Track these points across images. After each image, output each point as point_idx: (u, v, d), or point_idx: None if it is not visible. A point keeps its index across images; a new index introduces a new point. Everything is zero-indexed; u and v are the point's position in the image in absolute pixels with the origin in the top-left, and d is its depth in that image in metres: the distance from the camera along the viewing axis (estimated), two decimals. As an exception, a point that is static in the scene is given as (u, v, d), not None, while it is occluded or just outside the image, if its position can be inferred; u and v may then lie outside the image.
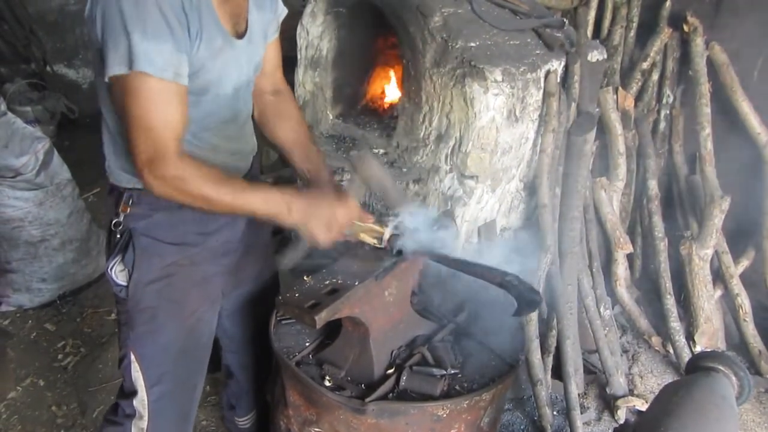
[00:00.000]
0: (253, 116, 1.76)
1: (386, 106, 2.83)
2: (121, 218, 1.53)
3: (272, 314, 1.79)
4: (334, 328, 1.71)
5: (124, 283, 1.55)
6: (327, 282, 1.55)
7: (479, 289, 2.03)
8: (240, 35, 1.49)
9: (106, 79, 1.29)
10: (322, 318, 1.42)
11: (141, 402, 1.63)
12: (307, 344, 1.76)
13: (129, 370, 1.62)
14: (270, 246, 1.97)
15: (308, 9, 2.72)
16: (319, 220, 1.45)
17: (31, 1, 4.73)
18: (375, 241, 1.59)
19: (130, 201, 1.51)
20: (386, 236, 1.57)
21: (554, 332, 2.41)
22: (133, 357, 1.61)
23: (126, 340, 1.63)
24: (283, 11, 1.72)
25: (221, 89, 1.48)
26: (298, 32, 2.79)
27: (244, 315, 1.92)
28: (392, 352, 1.70)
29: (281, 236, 2.71)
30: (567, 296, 2.41)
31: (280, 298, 1.51)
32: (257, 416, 2.15)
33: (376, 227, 1.59)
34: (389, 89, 2.83)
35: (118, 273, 1.56)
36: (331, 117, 2.86)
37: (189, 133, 1.47)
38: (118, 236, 1.54)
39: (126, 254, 1.54)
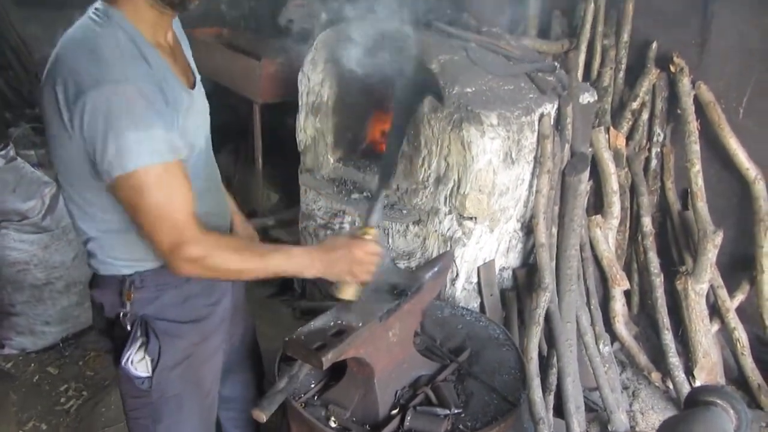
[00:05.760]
0: None
1: (383, 148, 2.90)
2: (128, 307, 1.44)
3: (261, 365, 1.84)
4: (338, 369, 1.75)
5: (146, 374, 1.47)
6: (332, 324, 1.59)
7: (480, 329, 2.08)
8: (192, 85, 1.47)
9: (106, 182, 1.24)
10: (328, 359, 1.46)
11: None
12: (313, 385, 1.79)
13: None
14: (246, 301, 1.93)
15: (309, 57, 2.81)
16: (341, 264, 1.46)
17: (36, 48, 4.84)
18: None
19: (132, 287, 1.43)
20: None
21: (554, 370, 2.43)
22: None
23: None
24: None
25: (198, 144, 1.45)
26: (299, 79, 2.88)
27: (237, 375, 1.89)
28: (396, 392, 1.73)
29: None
30: (566, 334, 2.44)
31: (287, 339, 1.55)
32: None
33: None
34: (385, 132, 2.90)
35: (136, 364, 1.46)
36: (332, 161, 2.93)
37: None
38: (129, 327, 1.45)
39: (150, 343, 1.45)
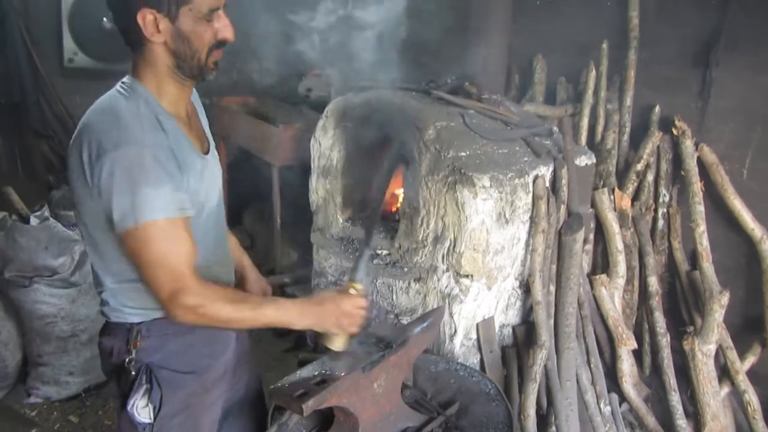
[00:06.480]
0: None
1: (392, 209, 3.03)
2: (134, 354, 1.54)
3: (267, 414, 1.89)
4: (329, 419, 1.82)
5: (148, 420, 1.55)
6: (317, 373, 1.67)
7: (472, 384, 2.13)
8: (206, 151, 1.62)
9: (119, 234, 1.38)
10: (309, 406, 1.53)
11: None
12: (303, 434, 1.86)
13: None
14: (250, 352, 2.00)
15: (320, 123, 3.01)
16: (329, 317, 1.58)
17: (79, 117, 5.20)
18: None
19: (139, 335, 1.54)
20: None
21: (553, 429, 2.43)
22: None
23: None
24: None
25: (209, 205, 1.59)
26: (311, 144, 3.08)
27: (237, 420, 1.91)
28: (381, 443, 1.79)
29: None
30: (565, 392, 2.45)
31: (272, 387, 1.64)
32: None
33: None
34: (394, 194, 3.04)
35: (140, 410, 1.54)
36: (341, 220, 3.07)
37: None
38: (134, 373, 1.54)
39: (153, 390, 1.54)
